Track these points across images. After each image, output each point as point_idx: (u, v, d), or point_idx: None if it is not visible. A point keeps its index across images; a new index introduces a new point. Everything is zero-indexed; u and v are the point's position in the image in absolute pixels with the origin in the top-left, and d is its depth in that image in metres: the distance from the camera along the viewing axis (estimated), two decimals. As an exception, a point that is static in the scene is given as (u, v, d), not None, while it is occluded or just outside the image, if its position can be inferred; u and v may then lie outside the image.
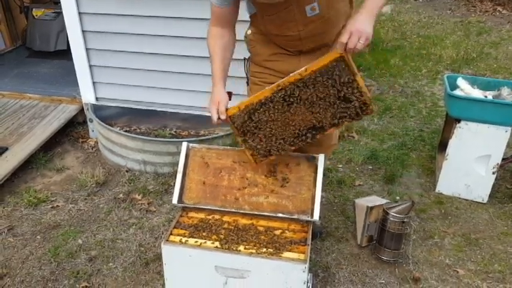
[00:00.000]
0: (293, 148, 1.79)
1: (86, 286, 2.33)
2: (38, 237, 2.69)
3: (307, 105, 1.69)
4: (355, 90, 1.66)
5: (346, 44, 1.60)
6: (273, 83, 2.08)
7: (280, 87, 1.70)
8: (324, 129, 1.74)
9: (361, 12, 1.64)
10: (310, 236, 1.82)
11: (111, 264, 2.48)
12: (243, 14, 1.96)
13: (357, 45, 1.59)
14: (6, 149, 3.29)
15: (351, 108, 1.69)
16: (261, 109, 1.74)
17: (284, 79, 1.70)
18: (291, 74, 1.69)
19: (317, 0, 1.73)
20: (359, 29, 1.58)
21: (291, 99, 1.70)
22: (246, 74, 2.18)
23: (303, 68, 1.67)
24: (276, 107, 1.73)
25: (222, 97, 1.81)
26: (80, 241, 2.64)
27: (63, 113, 3.77)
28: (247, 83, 2.21)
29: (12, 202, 2.98)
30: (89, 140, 3.75)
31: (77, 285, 2.34)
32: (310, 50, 1.94)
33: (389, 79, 5.02)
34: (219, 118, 1.79)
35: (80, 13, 3.33)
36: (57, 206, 2.95)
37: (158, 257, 2.46)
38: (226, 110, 1.80)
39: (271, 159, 1.84)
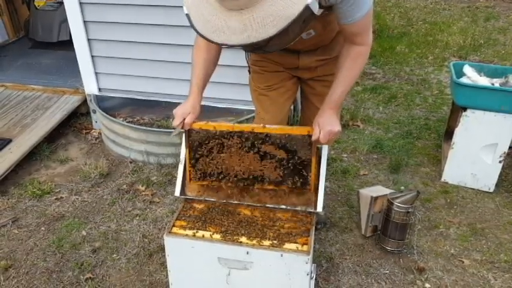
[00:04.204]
0: (229, 185, 1.85)
1: (90, 277, 2.34)
2: (42, 228, 2.70)
3: (262, 157, 1.78)
4: (307, 168, 1.76)
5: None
6: (275, 72, 2.07)
7: (249, 131, 1.75)
8: (263, 183, 1.82)
9: (329, 111, 1.72)
10: (314, 228, 1.80)
11: (115, 255, 2.49)
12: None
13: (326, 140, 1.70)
14: (10, 140, 3.30)
15: (295, 179, 1.79)
16: (222, 140, 1.78)
17: (256, 126, 1.76)
18: (262, 125, 1.76)
19: (313, 27, 1.71)
20: (330, 130, 1.67)
21: (252, 146, 1.77)
22: (247, 63, 2.15)
23: (275, 126, 1.76)
24: (235, 145, 1.78)
25: (194, 110, 1.78)
26: (83, 232, 2.65)
27: (67, 104, 3.77)
28: (249, 71, 2.18)
29: (17, 194, 2.99)
30: (93, 131, 3.74)
31: (81, 277, 2.35)
32: (309, 50, 1.95)
33: (395, 66, 4.97)
34: (182, 127, 1.77)
35: (81, 3, 3.31)
36: (61, 197, 2.96)
37: (162, 248, 2.46)
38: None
39: (203, 183, 1.88)
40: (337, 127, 1.70)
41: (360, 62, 1.70)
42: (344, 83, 1.72)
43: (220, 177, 1.85)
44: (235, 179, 1.84)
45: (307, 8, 1.20)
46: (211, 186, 1.90)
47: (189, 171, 1.87)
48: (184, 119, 1.75)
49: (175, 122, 1.75)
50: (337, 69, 1.72)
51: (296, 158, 1.76)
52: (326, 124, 1.68)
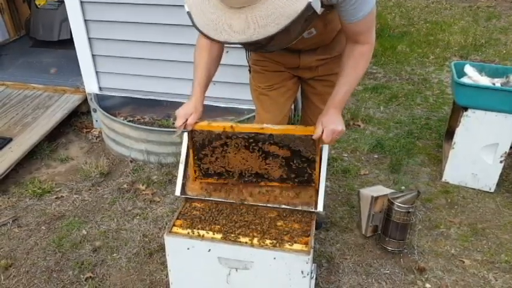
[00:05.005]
0: (234, 182, 1.85)
1: (90, 276, 2.34)
2: (43, 227, 2.70)
3: (265, 156, 1.78)
4: (312, 166, 1.76)
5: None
6: (276, 71, 2.06)
7: (251, 132, 1.74)
8: (268, 180, 1.83)
9: (333, 110, 1.70)
10: (314, 227, 1.80)
11: (115, 254, 2.49)
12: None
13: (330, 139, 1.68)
14: (11, 139, 3.30)
15: (300, 176, 1.80)
16: (225, 140, 1.77)
17: (258, 126, 1.75)
18: (265, 125, 1.74)
19: (314, 26, 1.69)
20: (333, 129, 1.66)
21: (255, 146, 1.76)
22: (248, 62, 2.15)
23: (277, 126, 1.73)
24: (239, 145, 1.77)
25: (197, 110, 1.77)
26: (84, 232, 2.65)
27: (67, 103, 3.76)
28: (249, 70, 2.18)
29: (17, 193, 2.99)
30: (93, 130, 3.74)
31: (81, 276, 2.35)
32: (309, 49, 1.94)
33: (396, 66, 4.96)
34: (184, 127, 1.75)
35: (81, 2, 3.30)
36: (62, 196, 2.96)
37: (162, 248, 2.46)
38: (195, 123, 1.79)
39: (209, 181, 1.88)
40: (340, 126, 1.68)
41: (363, 61, 1.68)
42: (347, 82, 1.70)
43: (224, 176, 1.85)
44: (239, 177, 1.84)
45: (309, 6, 1.19)
46: (213, 184, 1.90)
47: (194, 170, 1.87)
48: (186, 120, 1.74)
49: (178, 123, 1.74)
50: (341, 69, 1.71)
51: (300, 157, 1.75)
52: (329, 123, 1.67)
